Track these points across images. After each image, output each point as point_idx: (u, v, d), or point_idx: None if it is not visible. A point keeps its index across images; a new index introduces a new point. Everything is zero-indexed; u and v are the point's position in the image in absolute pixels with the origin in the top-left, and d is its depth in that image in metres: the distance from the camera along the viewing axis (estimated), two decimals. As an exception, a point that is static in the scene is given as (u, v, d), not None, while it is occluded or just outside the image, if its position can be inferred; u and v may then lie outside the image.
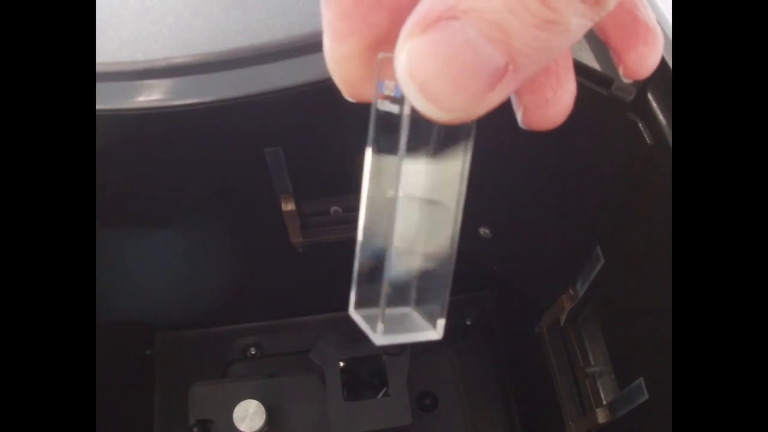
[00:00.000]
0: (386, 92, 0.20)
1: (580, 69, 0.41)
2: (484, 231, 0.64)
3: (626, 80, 0.24)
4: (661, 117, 0.39)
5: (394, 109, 0.20)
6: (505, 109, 0.45)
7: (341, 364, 0.65)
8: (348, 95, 0.22)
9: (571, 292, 0.56)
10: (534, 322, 0.65)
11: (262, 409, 0.64)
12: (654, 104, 0.39)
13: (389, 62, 0.19)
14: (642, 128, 0.40)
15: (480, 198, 0.61)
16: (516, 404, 0.78)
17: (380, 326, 0.21)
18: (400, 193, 0.20)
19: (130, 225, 0.60)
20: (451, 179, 0.21)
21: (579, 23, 0.17)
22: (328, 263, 0.70)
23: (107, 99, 0.42)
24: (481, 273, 0.74)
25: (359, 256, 0.21)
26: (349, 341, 0.66)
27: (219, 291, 0.75)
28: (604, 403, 0.56)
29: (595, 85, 0.41)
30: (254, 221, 0.64)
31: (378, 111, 0.20)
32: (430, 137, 0.20)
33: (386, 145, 0.20)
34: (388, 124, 0.20)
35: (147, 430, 0.77)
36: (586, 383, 0.58)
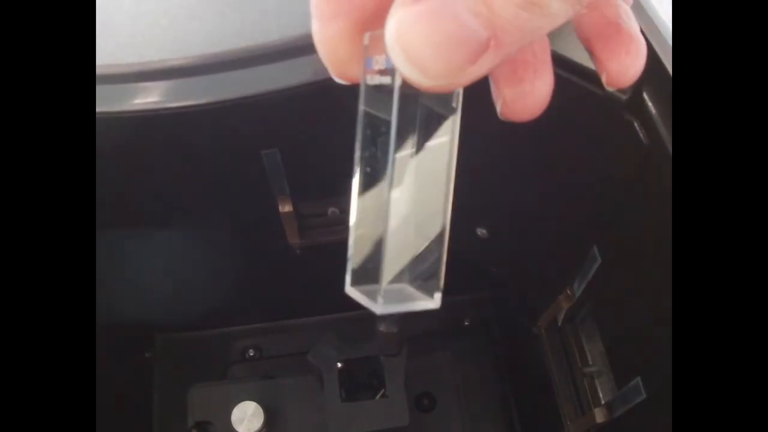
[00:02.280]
0: (376, 66, 0.21)
1: (575, 69, 0.41)
2: (481, 231, 0.64)
3: (609, 88, 0.24)
4: (656, 117, 0.39)
5: (383, 80, 0.20)
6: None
7: (339, 365, 0.64)
8: (336, 75, 0.22)
9: (568, 292, 0.56)
10: (532, 323, 0.65)
11: (261, 410, 0.64)
12: (649, 104, 0.39)
13: (376, 40, 0.20)
14: (637, 128, 0.40)
15: (477, 199, 0.61)
16: (514, 404, 0.78)
17: (380, 298, 0.21)
18: (393, 170, 0.21)
19: (127, 228, 0.60)
20: (442, 154, 0.21)
21: (559, 8, 0.17)
22: (326, 265, 0.70)
23: (102, 101, 0.42)
24: (478, 274, 0.74)
25: (353, 233, 0.22)
26: (347, 343, 0.66)
27: (217, 293, 0.75)
28: (602, 402, 0.56)
29: (590, 84, 0.41)
30: (252, 223, 0.64)
31: (367, 86, 0.21)
32: (416, 111, 0.20)
33: (376, 124, 0.21)
34: (378, 99, 0.21)
35: (146, 433, 0.77)
36: (584, 383, 0.58)
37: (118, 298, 0.67)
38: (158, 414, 0.78)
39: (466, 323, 0.83)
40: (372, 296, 0.22)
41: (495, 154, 0.54)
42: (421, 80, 0.18)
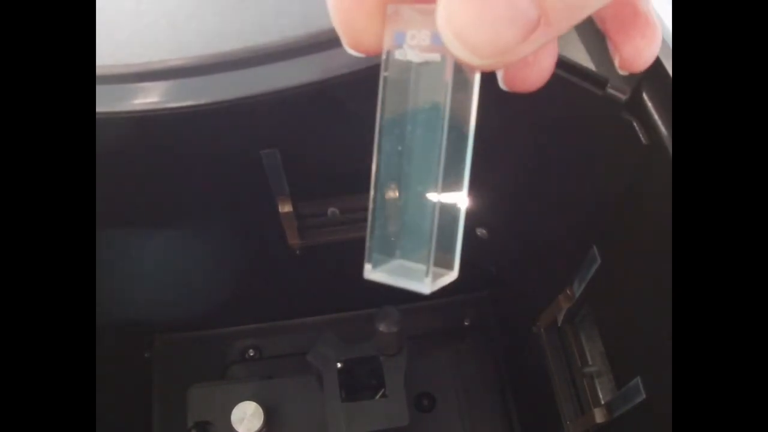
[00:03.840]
0: (413, 41, 0.21)
1: (574, 69, 0.41)
2: (480, 231, 0.64)
3: (622, 72, 0.24)
4: (656, 116, 0.39)
5: (424, 57, 0.21)
6: (501, 108, 0.45)
7: (339, 365, 0.64)
8: (349, 45, 0.22)
9: (568, 292, 0.56)
10: (531, 323, 0.65)
11: (260, 410, 0.64)
12: (649, 104, 0.39)
13: (403, 13, 0.20)
14: (637, 128, 0.40)
15: (477, 198, 0.61)
16: (514, 404, 0.78)
17: (427, 277, 0.21)
18: (444, 153, 0.21)
19: (126, 228, 0.60)
20: (465, 123, 0.22)
21: None
22: (325, 265, 0.70)
23: (101, 102, 0.42)
24: (478, 274, 0.74)
25: (377, 215, 0.22)
26: (346, 342, 0.66)
27: (217, 293, 0.75)
28: (602, 402, 0.56)
29: (589, 85, 0.41)
30: (251, 223, 0.64)
31: (395, 61, 0.21)
32: (448, 87, 0.21)
33: (397, 99, 0.21)
34: (406, 71, 0.21)
35: (145, 433, 0.77)
36: (583, 383, 0.58)
37: (117, 298, 0.67)
38: (158, 414, 0.78)
39: (465, 323, 0.83)
40: (412, 276, 0.22)
41: (494, 154, 0.54)
42: (473, 60, 0.19)
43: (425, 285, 0.21)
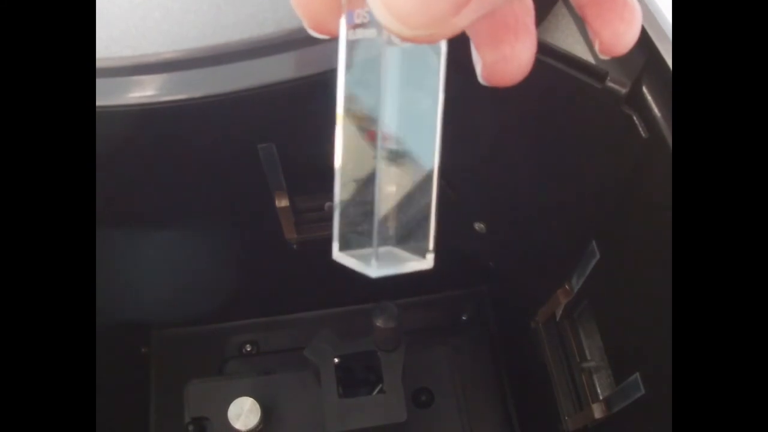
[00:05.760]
0: (357, 20, 0.20)
1: (573, 62, 0.41)
2: (479, 226, 0.64)
3: (602, 57, 0.24)
4: (656, 110, 0.39)
5: (366, 34, 0.20)
6: (499, 102, 0.45)
7: (336, 360, 0.64)
8: (311, 28, 0.22)
9: (566, 287, 0.56)
10: (530, 318, 0.65)
11: (258, 406, 0.64)
12: (649, 97, 0.39)
13: None
14: (637, 121, 0.40)
15: (475, 193, 0.61)
16: (512, 400, 0.78)
17: (374, 261, 0.21)
18: (382, 129, 0.20)
19: (123, 222, 0.60)
20: (427, 111, 0.21)
21: None
22: (322, 259, 0.70)
23: (97, 95, 0.42)
24: (476, 268, 0.74)
25: (338, 198, 0.21)
26: (344, 338, 0.66)
27: (214, 288, 0.75)
28: (601, 398, 0.56)
29: (588, 78, 0.40)
30: (248, 218, 0.64)
31: (348, 42, 0.21)
32: (402, 61, 0.20)
33: (358, 79, 0.21)
34: (360, 50, 0.21)
35: (142, 428, 0.77)
36: (582, 378, 0.58)
37: (114, 293, 0.66)
38: (155, 409, 0.78)
39: (463, 318, 0.83)
40: (365, 260, 0.21)
41: (493, 148, 0.54)
42: (402, 31, 0.18)
43: (372, 269, 0.21)
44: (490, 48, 0.22)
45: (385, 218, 0.21)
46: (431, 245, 0.22)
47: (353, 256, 0.22)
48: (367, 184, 0.21)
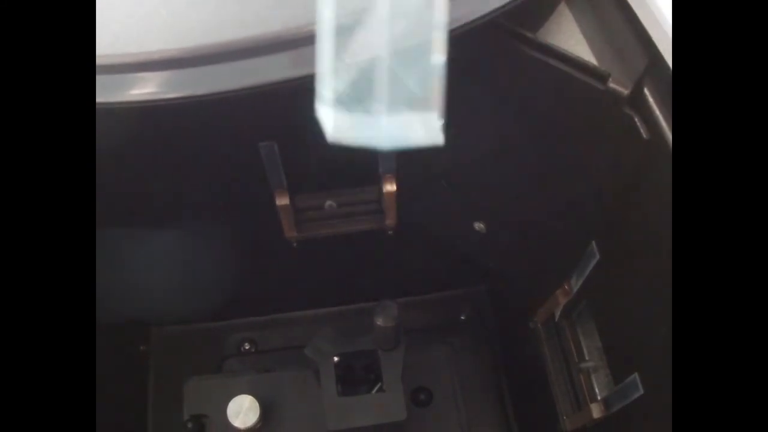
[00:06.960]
0: None
1: (576, 64, 0.41)
2: (478, 226, 0.64)
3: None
4: (657, 111, 0.39)
5: None
6: (501, 106, 0.45)
7: (336, 359, 0.64)
8: None
9: (566, 287, 0.56)
10: (529, 317, 0.65)
11: (257, 404, 0.64)
12: (650, 99, 0.39)
13: None
14: (638, 122, 0.40)
15: (475, 192, 0.61)
16: (511, 399, 0.78)
17: None
18: None
19: (123, 221, 0.60)
20: None
21: None
22: (322, 258, 0.70)
23: (99, 92, 0.42)
24: (475, 268, 0.74)
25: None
26: (343, 336, 0.66)
27: (213, 286, 0.75)
28: (599, 398, 0.56)
29: (591, 79, 0.41)
30: (248, 216, 0.64)
31: None
32: None
33: None
34: None
35: (141, 426, 0.77)
36: (580, 378, 0.58)
37: (113, 291, 0.66)
38: (153, 407, 0.78)
39: (462, 318, 0.83)
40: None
41: (494, 149, 0.54)
42: None
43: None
44: None
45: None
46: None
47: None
48: None
